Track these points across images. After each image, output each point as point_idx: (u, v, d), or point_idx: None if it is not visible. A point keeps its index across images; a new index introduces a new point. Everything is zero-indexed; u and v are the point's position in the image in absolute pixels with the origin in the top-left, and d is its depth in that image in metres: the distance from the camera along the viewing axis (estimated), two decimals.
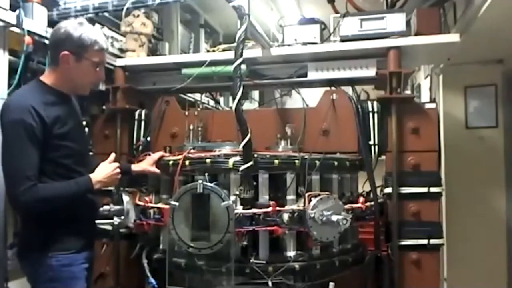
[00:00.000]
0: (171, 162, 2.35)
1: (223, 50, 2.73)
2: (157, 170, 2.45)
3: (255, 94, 4.69)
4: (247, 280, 2.15)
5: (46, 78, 1.96)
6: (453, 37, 2.44)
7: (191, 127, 2.67)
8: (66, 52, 1.88)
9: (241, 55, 2.14)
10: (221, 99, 4.35)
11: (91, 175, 1.95)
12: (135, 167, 2.46)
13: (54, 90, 1.94)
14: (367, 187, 2.50)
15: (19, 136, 1.77)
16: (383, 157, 2.50)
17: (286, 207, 2.19)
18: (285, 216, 2.16)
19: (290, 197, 2.26)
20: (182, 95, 3.36)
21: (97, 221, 2.19)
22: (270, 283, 2.12)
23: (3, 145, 1.82)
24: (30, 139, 1.78)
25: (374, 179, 2.46)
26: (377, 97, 2.56)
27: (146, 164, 2.47)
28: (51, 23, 2.47)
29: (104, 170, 2.01)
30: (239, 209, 2.13)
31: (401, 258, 2.37)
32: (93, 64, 1.95)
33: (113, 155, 2.10)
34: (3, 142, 1.82)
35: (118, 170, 2.06)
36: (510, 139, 3.38)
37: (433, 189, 2.38)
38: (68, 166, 1.92)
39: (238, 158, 2.19)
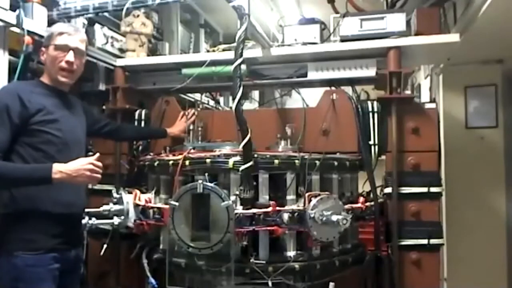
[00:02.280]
0: (171, 162, 2.35)
1: (223, 50, 2.73)
2: (190, 121, 2.69)
3: (255, 94, 4.69)
4: (247, 280, 2.15)
5: (42, 77, 2.07)
6: (453, 37, 2.44)
7: (191, 127, 2.67)
8: (41, 49, 2.04)
9: (241, 55, 2.14)
10: (221, 99, 4.35)
11: (55, 164, 1.81)
12: (171, 130, 2.69)
13: (47, 85, 2.04)
14: (367, 187, 2.50)
15: None
16: (383, 157, 2.50)
17: (286, 207, 2.19)
18: (285, 216, 2.16)
19: (290, 197, 2.26)
20: (182, 95, 3.36)
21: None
22: (270, 283, 2.12)
23: None
24: (1, 117, 1.82)
25: (374, 179, 2.46)
26: (377, 97, 2.56)
27: (179, 131, 2.70)
28: (51, 23, 2.47)
29: (74, 163, 1.84)
30: (239, 209, 2.13)
31: (401, 258, 2.37)
32: (55, 48, 1.99)
33: (97, 155, 1.92)
34: None
35: (90, 167, 1.84)
36: (510, 139, 3.38)
37: (433, 189, 2.38)
38: (47, 153, 1.90)
39: (238, 158, 2.19)
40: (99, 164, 1.89)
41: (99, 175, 1.88)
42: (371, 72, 2.55)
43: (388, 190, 2.42)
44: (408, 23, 2.52)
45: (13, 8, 2.25)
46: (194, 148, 2.40)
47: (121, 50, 3.09)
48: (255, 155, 2.20)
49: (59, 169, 1.80)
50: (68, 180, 1.82)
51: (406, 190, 2.39)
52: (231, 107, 2.30)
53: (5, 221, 1.88)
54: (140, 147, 2.79)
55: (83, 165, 1.84)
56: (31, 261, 1.84)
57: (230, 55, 2.31)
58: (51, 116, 1.94)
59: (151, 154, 2.65)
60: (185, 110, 2.78)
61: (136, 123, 2.84)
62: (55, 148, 1.93)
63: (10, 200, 1.88)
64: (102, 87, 2.96)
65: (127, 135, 2.64)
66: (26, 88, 1.95)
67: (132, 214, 2.34)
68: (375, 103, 2.53)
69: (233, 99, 2.14)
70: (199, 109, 2.87)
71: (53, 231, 1.92)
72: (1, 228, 1.88)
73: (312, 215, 2.11)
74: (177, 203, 2.14)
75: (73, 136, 2.05)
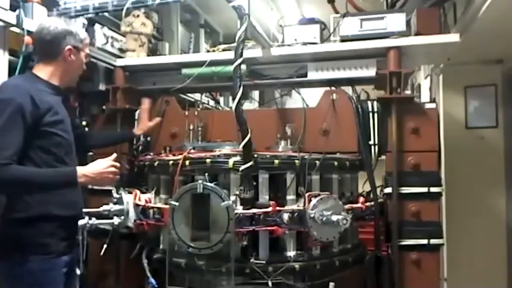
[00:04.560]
0: (171, 162, 2.35)
1: (223, 50, 2.73)
2: (154, 122, 2.69)
3: (255, 94, 4.69)
4: (247, 280, 2.15)
5: (38, 71, 1.95)
6: (453, 37, 2.44)
7: (191, 127, 2.67)
8: (69, 47, 1.94)
9: (241, 55, 2.14)
10: (221, 99, 4.35)
11: (78, 168, 1.82)
12: (137, 131, 2.66)
13: (46, 82, 1.94)
14: (367, 187, 2.50)
15: (4, 114, 1.72)
16: (383, 157, 2.50)
17: (286, 207, 2.20)
18: (285, 216, 2.16)
19: (290, 197, 2.26)
20: (182, 95, 3.36)
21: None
22: (270, 283, 2.12)
23: None
24: (16, 118, 1.73)
25: (374, 179, 2.46)
26: (377, 97, 2.56)
27: (145, 125, 2.66)
28: None
29: (96, 166, 1.86)
30: (239, 209, 2.13)
31: (401, 258, 2.37)
32: (86, 56, 2.04)
33: (114, 155, 1.94)
34: None
35: (112, 169, 1.88)
36: (510, 139, 3.37)
37: (433, 189, 2.38)
38: (58, 156, 1.86)
39: (238, 158, 2.19)
40: (118, 165, 1.92)
41: (118, 176, 1.92)
42: (371, 72, 2.55)
43: (388, 190, 2.42)
44: (408, 23, 2.52)
45: (13, 8, 2.24)
46: (194, 148, 2.40)
47: (121, 50, 3.08)
48: (255, 155, 2.20)
49: (83, 172, 1.81)
50: (91, 183, 1.86)
51: (406, 190, 2.39)
52: (231, 107, 2.30)
53: (17, 226, 1.82)
54: (140, 147, 2.79)
55: (105, 167, 1.86)
56: (46, 265, 1.82)
57: (230, 55, 2.31)
58: (58, 116, 1.88)
59: (151, 154, 2.65)
60: (185, 110, 2.78)
61: (136, 123, 2.83)
62: (64, 150, 1.90)
63: (23, 205, 1.83)
64: (102, 87, 2.95)
65: (92, 143, 2.52)
66: (32, 85, 1.85)
67: (132, 214, 2.34)
68: (375, 103, 2.54)
69: (233, 99, 2.14)
70: (199, 109, 2.87)
71: (62, 234, 1.90)
72: (14, 234, 1.82)
73: (312, 215, 2.11)
74: (177, 203, 2.15)
75: (72, 136, 2.02)
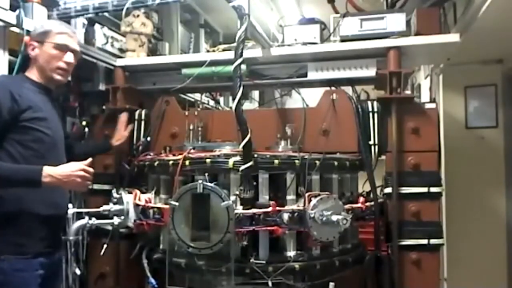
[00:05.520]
0: (171, 162, 2.35)
1: (223, 50, 2.73)
2: (128, 130, 2.69)
3: (255, 94, 4.69)
4: (247, 280, 2.15)
5: (28, 73, 2.02)
6: (453, 37, 2.44)
7: (191, 127, 2.67)
8: (30, 41, 1.98)
9: (241, 55, 2.14)
10: (221, 99, 4.35)
11: (45, 167, 1.75)
12: (114, 142, 2.61)
13: (34, 82, 1.97)
14: (367, 187, 2.50)
15: None
16: (383, 157, 2.50)
17: (286, 207, 2.19)
18: (285, 216, 2.16)
19: (290, 197, 2.26)
20: (182, 95, 3.36)
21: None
22: (270, 283, 2.12)
23: None
24: None
25: (374, 179, 2.46)
26: (377, 97, 2.56)
27: (121, 135, 2.64)
28: None
29: (65, 168, 1.79)
30: (239, 209, 2.13)
31: (401, 258, 2.37)
32: (55, 46, 1.97)
33: (89, 160, 1.86)
34: None
35: (82, 173, 1.79)
36: (510, 139, 3.38)
37: (433, 189, 2.38)
38: (38, 152, 1.85)
39: (238, 158, 2.19)
40: (91, 170, 1.82)
41: (89, 182, 1.84)
42: (371, 72, 2.55)
43: (388, 190, 2.42)
44: (408, 23, 2.52)
45: (13, 8, 2.24)
46: (194, 148, 2.40)
47: (121, 50, 3.08)
48: (255, 155, 2.20)
49: (49, 172, 1.74)
50: (57, 184, 1.77)
51: (406, 190, 2.39)
52: (231, 107, 2.30)
53: None
54: (140, 147, 2.79)
55: (74, 170, 1.78)
56: (19, 266, 1.77)
57: (230, 55, 2.31)
58: (40, 114, 1.89)
59: (151, 154, 2.65)
60: (185, 110, 2.78)
61: (136, 123, 2.83)
62: (45, 147, 1.89)
63: None
64: (102, 87, 2.95)
65: (75, 153, 2.42)
66: (15, 83, 1.90)
67: (132, 214, 2.34)
68: (375, 103, 2.53)
69: (233, 99, 2.14)
70: (199, 109, 2.87)
71: (40, 233, 1.86)
72: None
73: (312, 215, 2.11)
74: (177, 203, 2.15)
75: (59, 135, 2.02)
